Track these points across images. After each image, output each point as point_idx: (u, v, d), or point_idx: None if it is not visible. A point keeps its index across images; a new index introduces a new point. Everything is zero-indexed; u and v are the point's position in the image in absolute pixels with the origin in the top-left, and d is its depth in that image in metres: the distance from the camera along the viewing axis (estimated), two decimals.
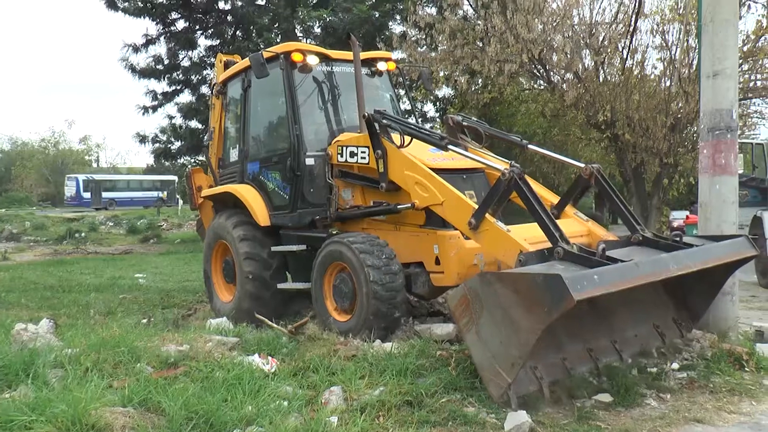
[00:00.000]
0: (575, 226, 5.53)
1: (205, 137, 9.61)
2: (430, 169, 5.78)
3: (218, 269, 8.04)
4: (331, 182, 6.76)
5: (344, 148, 6.70)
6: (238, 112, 8.21)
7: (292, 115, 7.11)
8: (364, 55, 7.65)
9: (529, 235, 4.86)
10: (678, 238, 5.03)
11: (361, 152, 6.44)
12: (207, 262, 8.15)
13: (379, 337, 5.56)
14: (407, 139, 5.99)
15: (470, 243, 5.50)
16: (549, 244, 4.56)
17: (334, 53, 7.69)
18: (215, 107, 9.08)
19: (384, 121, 6.16)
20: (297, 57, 7.12)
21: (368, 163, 6.35)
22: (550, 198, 5.95)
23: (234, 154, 8.23)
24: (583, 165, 5.65)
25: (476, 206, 5.12)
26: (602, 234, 5.45)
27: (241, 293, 7.36)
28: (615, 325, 4.82)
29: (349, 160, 6.62)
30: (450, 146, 5.95)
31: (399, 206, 6.03)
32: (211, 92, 9.34)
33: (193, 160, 23.60)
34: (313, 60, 7.22)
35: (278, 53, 7.28)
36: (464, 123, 7.01)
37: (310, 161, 7.00)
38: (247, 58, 7.44)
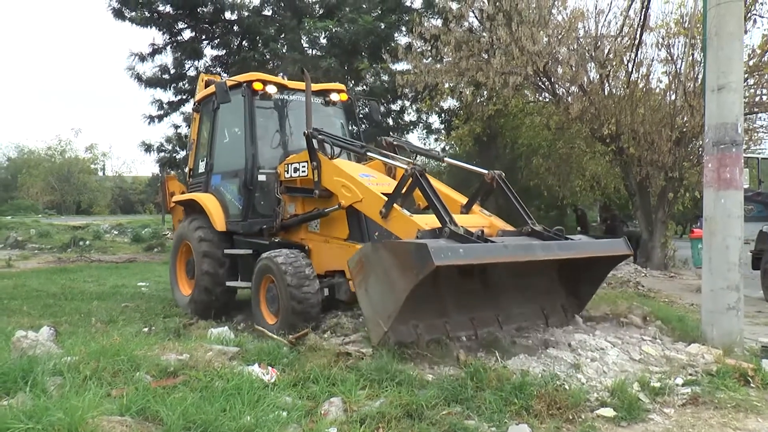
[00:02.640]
0: (478, 219, 6.34)
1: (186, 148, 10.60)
2: None
3: (182, 266, 9.18)
4: (279, 197, 7.83)
5: (290, 166, 7.78)
6: (208, 129, 9.28)
7: (249, 137, 8.17)
8: (319, 86, 8.91)
9: (429, 221, 5.68)
10: (560, 233, 5.76)
11: (302, 167, 7.53)
12: (173, 258, 9.30)
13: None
14: (337, 150, 7.26)
15: None
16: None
17: (291, 83, 8.72)
18: (194, 121, 10.07)
19: (319, 136, 7.23)
20: (257, 86, 8.17)
21: (307, 176, 7.40)
22: (459, 199, 6.81)
23: (202, 166, 9.30)
24: (486, 172, 6.56)
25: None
26: (501, 225, 6.20)
27: (197, 288, 8.43)
28: (503, 302, 5.66)
29: (293, 175, 7.70)
30: (368, 153, 7.39)
31: (326, 209, 7.18)
32: (193, 108, 10.42)
33: None
34: (271, 89, 8.26)
35: (241, 82, 8.29)
36: (395, 143, 8.06)
37: (262, 178, 8.07)
38: (214, 84, 8.47)
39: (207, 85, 9.89)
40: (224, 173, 8.72)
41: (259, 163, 8.13)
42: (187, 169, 10.04)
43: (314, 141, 7.19)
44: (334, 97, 8.97)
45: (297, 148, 8.12)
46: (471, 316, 5.41)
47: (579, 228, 22.78)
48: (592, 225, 22.64)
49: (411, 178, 5.95)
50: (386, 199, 6.09)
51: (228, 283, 8.28)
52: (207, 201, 8.62)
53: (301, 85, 8.27)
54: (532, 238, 5.64)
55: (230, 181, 8.54)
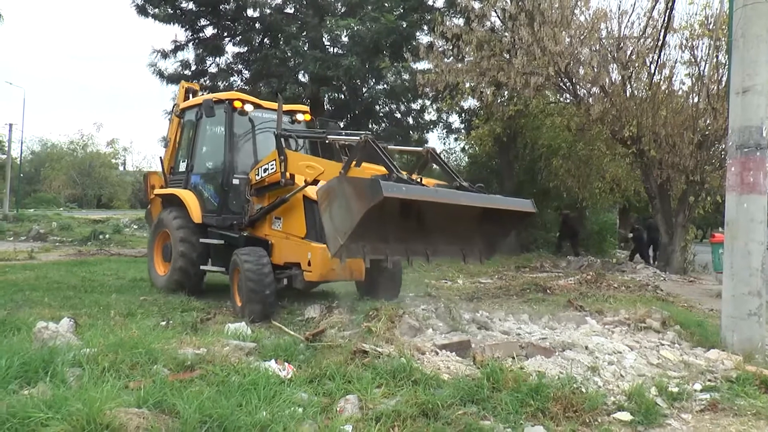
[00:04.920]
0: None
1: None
2: None
3: (159, 250, 10.69)
4: (249, 198, 9.06)
5: (260, 169, 8.87)
6: (190, 134, 10.67)
7: (227, 146, 9.62)
8: (287, 107, 10.33)
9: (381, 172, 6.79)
10: (481, 188, 7.05)
11: (271, 166, 8.56)
12: (151, 243, 10.86)
13: (258, 315, 7.75)
14: (300, 143, 9.54)
15: None
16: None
17: (265, 103, 10.19)
18: (173, 123, 11.58)
19: (286, 133, 8.66)
20: (237, 104, 9.57)
21: (275, 171, 8.45)
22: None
23: (183, 166, 10.72)
24: (422, 149, 7.86)
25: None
26: (435, 182, 7.41)
27: (172, 269, 9.91)
28: (432, 240, 6.93)
29: (263, 175, 8.77)
30: (329, 136, 8.28)
31: (288, 195, 8.38)
32: (172, 111, 11.99)
33: None
34: (249, 107, 9.62)
35: (224, 99, 9.73)
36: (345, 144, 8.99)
37: (235, 181, 9.36)
38: (201, 98, 10.14)
39: (187, 92, 11.88)
40: (203, 174, 10.18)
41: (234, 169, 9.49)
42: (165, 165, 11.45)
43: (282, 140, 8.42)
44: (299, 116, 10.60)
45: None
46: (406, 246, 6.73)
47: (558, 234, 22.76)
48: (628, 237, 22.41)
49: (365, 144, 7.12)
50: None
51: (202, 267, 9.72)
52: (186, 196, 10.06)
53: (274, 105, 9.72)
54: (459, 191, 6.87)
55: (208, 181, 9.99)
